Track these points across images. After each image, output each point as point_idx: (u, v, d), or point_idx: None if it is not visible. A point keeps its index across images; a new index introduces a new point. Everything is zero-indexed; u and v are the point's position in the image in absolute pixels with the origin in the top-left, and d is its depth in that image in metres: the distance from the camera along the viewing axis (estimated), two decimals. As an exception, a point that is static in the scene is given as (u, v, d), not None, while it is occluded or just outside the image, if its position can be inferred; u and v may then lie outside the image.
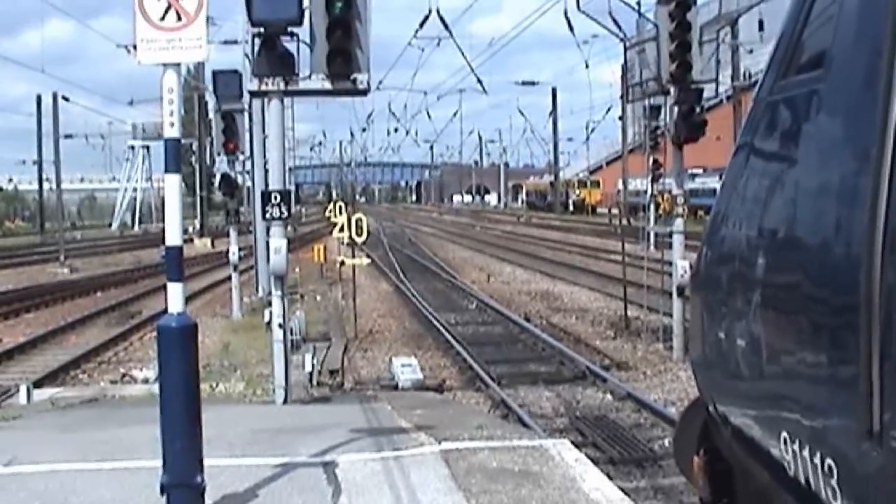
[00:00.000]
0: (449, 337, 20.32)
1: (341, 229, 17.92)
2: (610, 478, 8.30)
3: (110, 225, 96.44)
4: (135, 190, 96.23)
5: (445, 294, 30.03)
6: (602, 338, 20.48)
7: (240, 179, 27.63)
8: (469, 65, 37.64)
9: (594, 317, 23.53)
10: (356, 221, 17.86)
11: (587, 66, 52.06)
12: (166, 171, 6.49)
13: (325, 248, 24.69)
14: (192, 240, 53.19)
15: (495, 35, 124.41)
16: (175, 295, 6.41)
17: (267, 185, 13.17)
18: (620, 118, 62.80)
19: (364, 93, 12.40)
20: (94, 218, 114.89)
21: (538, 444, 9.09)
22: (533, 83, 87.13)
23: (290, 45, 11.72)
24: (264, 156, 22.47)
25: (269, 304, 13.69)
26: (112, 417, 11.55)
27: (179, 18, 6.34)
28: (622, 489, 7.78)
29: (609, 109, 76.95)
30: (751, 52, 46.09)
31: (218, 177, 25.71)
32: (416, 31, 36.36)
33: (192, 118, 64.33)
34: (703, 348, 5.04)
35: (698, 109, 17.15)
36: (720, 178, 5.76)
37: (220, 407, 11.73)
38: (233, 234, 25.63)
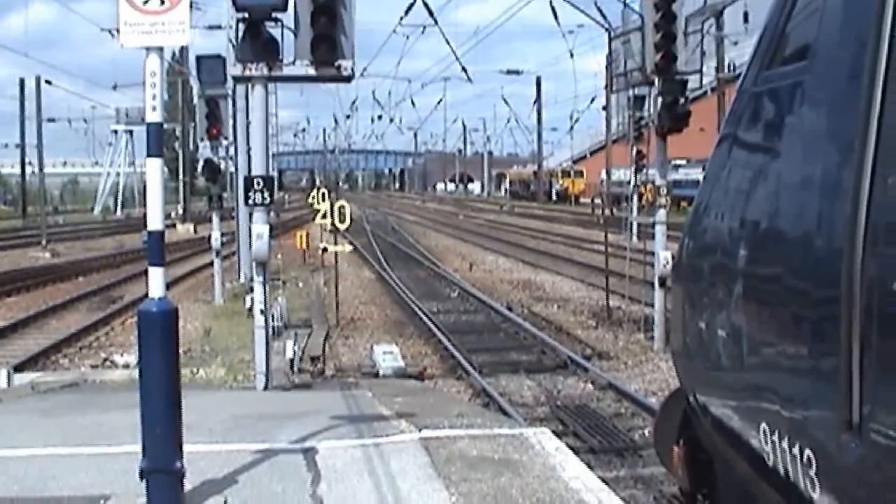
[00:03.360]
0: (431, 325, 20.31)
1: (324, 216, 17.85)
2: (590, 467, 8.31)
3: (93, 209, 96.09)
4: (118, 174, 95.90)
5: (428, 282, 30.01)
6: (584, 327, 20.49)
7: (223, 165, 27.50)
8: (454, 53, 37.86)
9: (576, 306, 23.54)
10: (339, 208, 17.78)
11: (572, 56, 52.57)
12: (148, 155, 6.47)
13: (307, 235, 24.59)
14: (174, 225, 53.01)
15: (480, 23, 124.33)
16: (156, 280, 6.38)
17: (250, 170, 13.09)
18: (605, 108, 63.22)
19: (348, 79, 12.36)
20: (76, 202, 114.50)
21: (518, 432, 9.09)
22: (518, 72, 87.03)
23: (275, 31, 11.67)
24: (248, 142, 22.30)
25: (251, 290, 13.65)
26: (92, 402, 11.48)
27: (163, 2, 6.30)
28: (602, 478, 7.79)
29: (593, 99, 77.47)
30: (735, 43, 46.20)
31: (201, 162, 25.59)
32: (401, 19, 36.46)
33: (175, 103, 64.11)
34: (683, 339, 5.05)
35: (682, 100, 17.17)
36: (703, 169, 5.77)
37: (200, 393, 11.70)
38: (215, 219, 25.51)
